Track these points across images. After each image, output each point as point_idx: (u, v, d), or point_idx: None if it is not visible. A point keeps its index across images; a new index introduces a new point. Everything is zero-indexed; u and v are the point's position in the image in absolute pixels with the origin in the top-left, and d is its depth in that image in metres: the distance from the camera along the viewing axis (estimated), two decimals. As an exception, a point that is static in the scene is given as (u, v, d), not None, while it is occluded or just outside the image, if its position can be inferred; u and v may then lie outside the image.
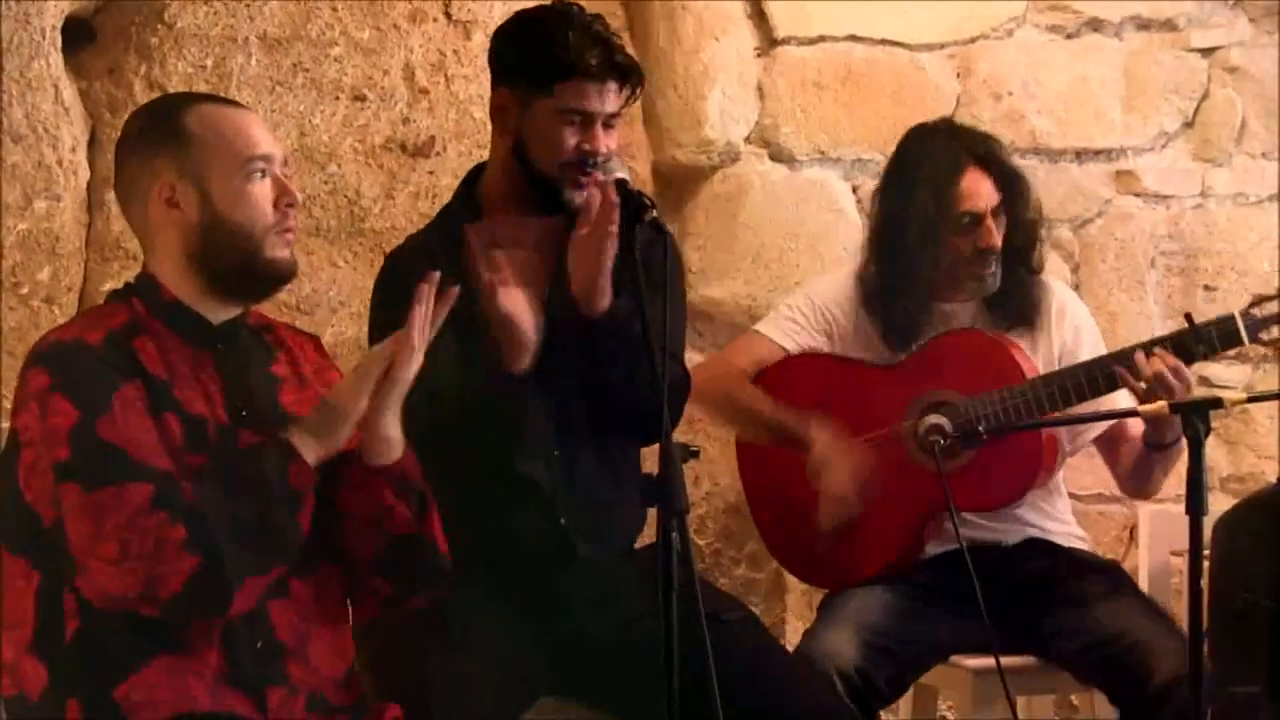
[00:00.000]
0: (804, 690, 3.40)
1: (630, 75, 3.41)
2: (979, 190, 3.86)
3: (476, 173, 3.56)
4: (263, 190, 2.88)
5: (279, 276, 2.92)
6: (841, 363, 3.95)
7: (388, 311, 3.32)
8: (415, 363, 2.87)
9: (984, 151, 3.90)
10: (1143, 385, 3.63)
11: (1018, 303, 3.90)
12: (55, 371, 2.76)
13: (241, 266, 2.87)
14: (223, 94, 4.00)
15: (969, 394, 3.76)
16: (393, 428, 2.90)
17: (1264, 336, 3.67)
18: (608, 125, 3.40)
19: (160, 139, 2.88)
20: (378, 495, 2.92)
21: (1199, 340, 3.66)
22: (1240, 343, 3.67)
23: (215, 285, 2.89)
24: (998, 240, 3.84)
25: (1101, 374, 3.71)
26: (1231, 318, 3.66)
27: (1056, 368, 3.84)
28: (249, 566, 2.75)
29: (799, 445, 3.86)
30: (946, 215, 3.84)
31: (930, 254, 3.86)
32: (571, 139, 3.38)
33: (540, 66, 3.39)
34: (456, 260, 3.27)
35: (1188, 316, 3.70)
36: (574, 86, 3.37)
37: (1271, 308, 3.66)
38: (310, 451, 2.82)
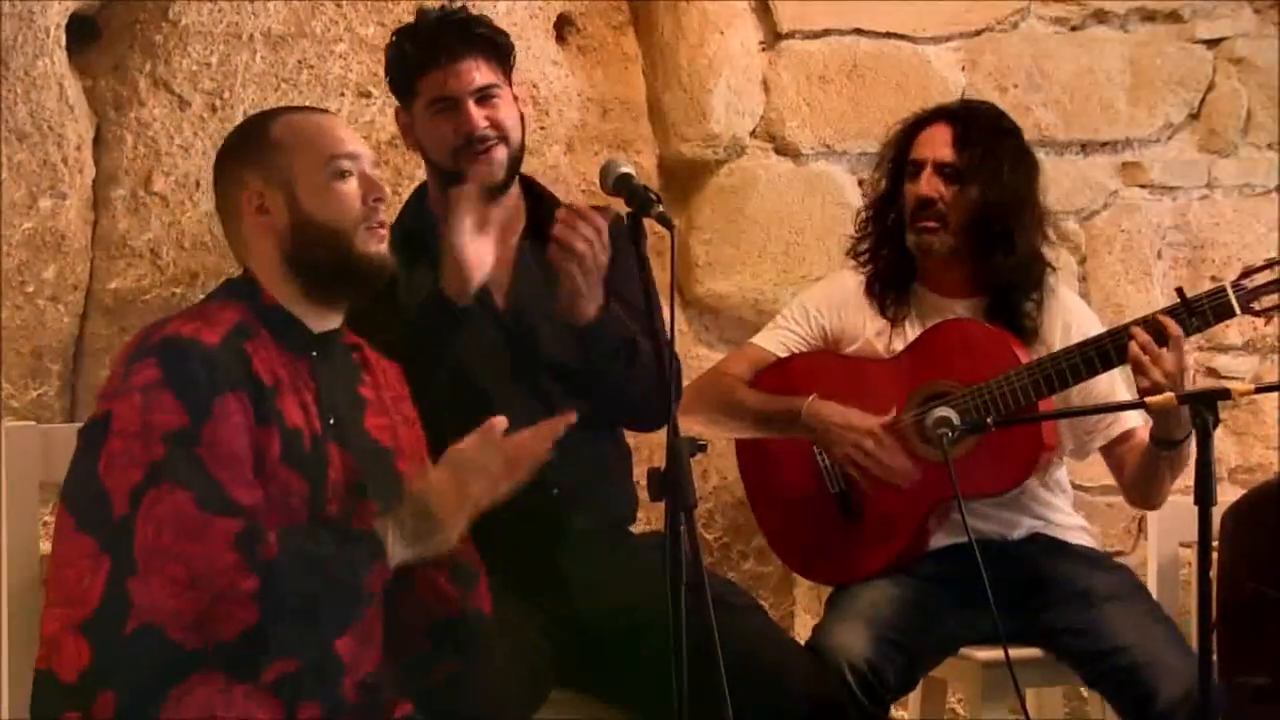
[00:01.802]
0: (805, 674, 3.43)
1: (491, 46, 3.50)
2: (933, 139, 3.87)
3: (421, 191, 3.69)
4: (349, 187, 2.90)
5: (374, 271, 2.93)
6: (838, 359, 3.95)
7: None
8: (518, 480, 2.86)
9: (962, 113, 3.91)
10: (1138, 354, 3.61)
11: (1017, 308, 3.87)
12: (167, 366, 2.75)
13: (335, 263, 2.89)
14: (227, 92, 4.02)
15: (967, 383, 3.76)
16: (464, 524, 2.88)
17: (1255, 306, 3.66)
18: (483, 100, 3.48)
19: (247, 151, 2.94)
20: (434, 581, 2.94)
21: (1192, 313, 3.65)
22: (1233, 313, 3.65)
23: (312, 287, 2.91)
24: (929, 191, 3.83)
25: (1098, 352, 3.70)
26: (1223, 289, 3.65)
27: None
28: (294, 644, 2.74)
29: (794, 425, 3.87)
30: (902, 159, 3.89)
31: (890, 203, 3.90)
32: (446, 126, 3.48)
33: (401, 75, 3.55)
34: (424, 271, 3.38)
35: (1179, 290, 3.68)
36: (430, 79, 3.49)
37: (1261, 278, 3.65)
38: (397, 557, 2.79)
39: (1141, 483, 3.85)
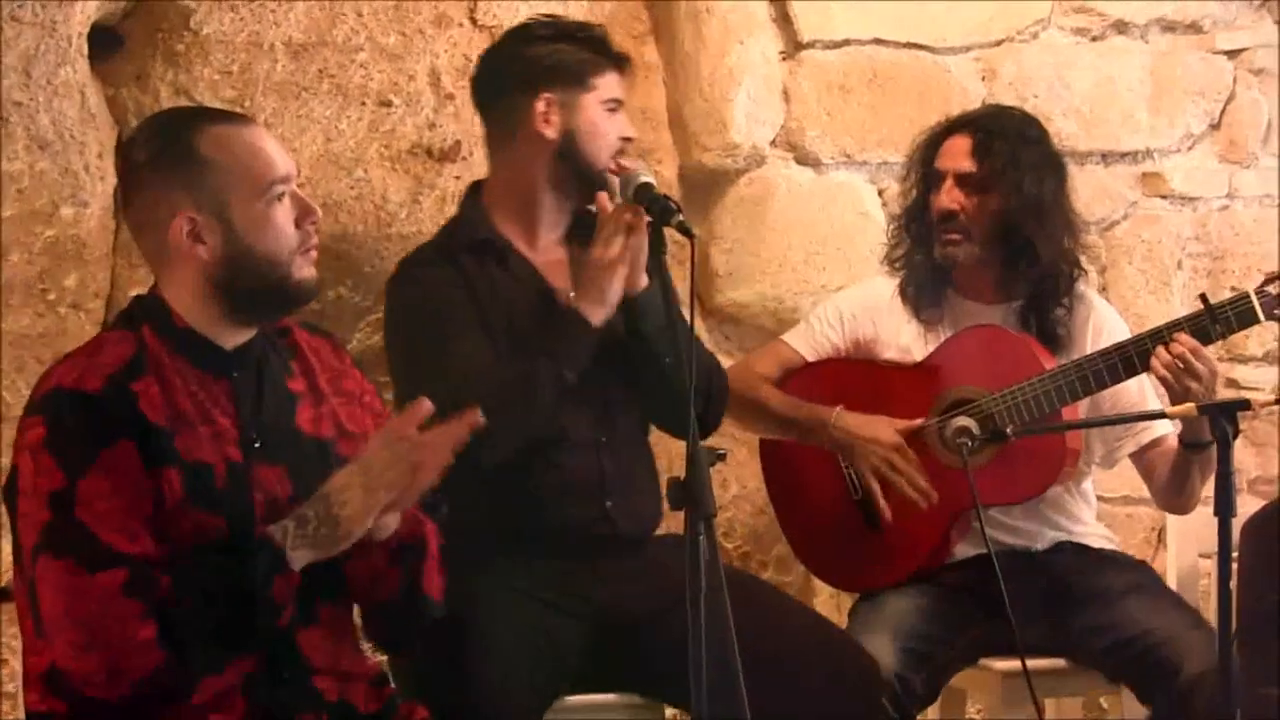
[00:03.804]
0: (825, 642, 3.50)
1: (626, 64, 3.66)
2: (953, 150, 3.88)
3: (477, 186, 3.70)
4: (285, 212, 2.81)
5: (303, 297, 2.85)
6: (863, 365, 3.96)
7: (407, 317, 3.51)
8: (425, 485, 2.79)
9: (984, 122, 3.91)
10: (1167, 367, 3.60)
11: (1048, 313, 3.87)
12: (50, 425, 2.70)
13: (267, 292, 2.81)
14: (249, 100, 4.03)
15: (992, 389, 3.76)
16: (394, 520, 2.82)
17: (1279, 313, 3.66)
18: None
19: (174, 168, 2.78)
20: (371, 564, 2.86)
21: (1215, 320, 3.64)
22: (1257, 319, 3.65)
23: (235, 311, 2.82)
24: (949, 204, 3.84)
25: (1121, 359, 3.70)
26: (1246, 296, 3.65)
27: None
28: (213, 665, 2.71)
29: (818, 434, 3.88)
30: (927, 169, 3.90)
31: (919, 211, 3.91)
32: (613, 129, 3.58)
33: (579, 62, 3.58)
34: (466, 269, 3.50)
35: (1202, 297, 3.68)
36: (608, 79, 3.59)
37: None
38: (301, 559, 2.72)
39: (1173, 486, 3.85)
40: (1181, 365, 3.59)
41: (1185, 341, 3.61)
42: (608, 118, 3.57)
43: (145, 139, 2.87)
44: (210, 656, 2.70)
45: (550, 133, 3.56)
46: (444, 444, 2.76)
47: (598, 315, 3.45)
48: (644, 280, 3.47)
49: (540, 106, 3.56)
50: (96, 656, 2.63)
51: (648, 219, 3.39)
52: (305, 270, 2.83)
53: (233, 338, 2.85)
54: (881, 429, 3.83)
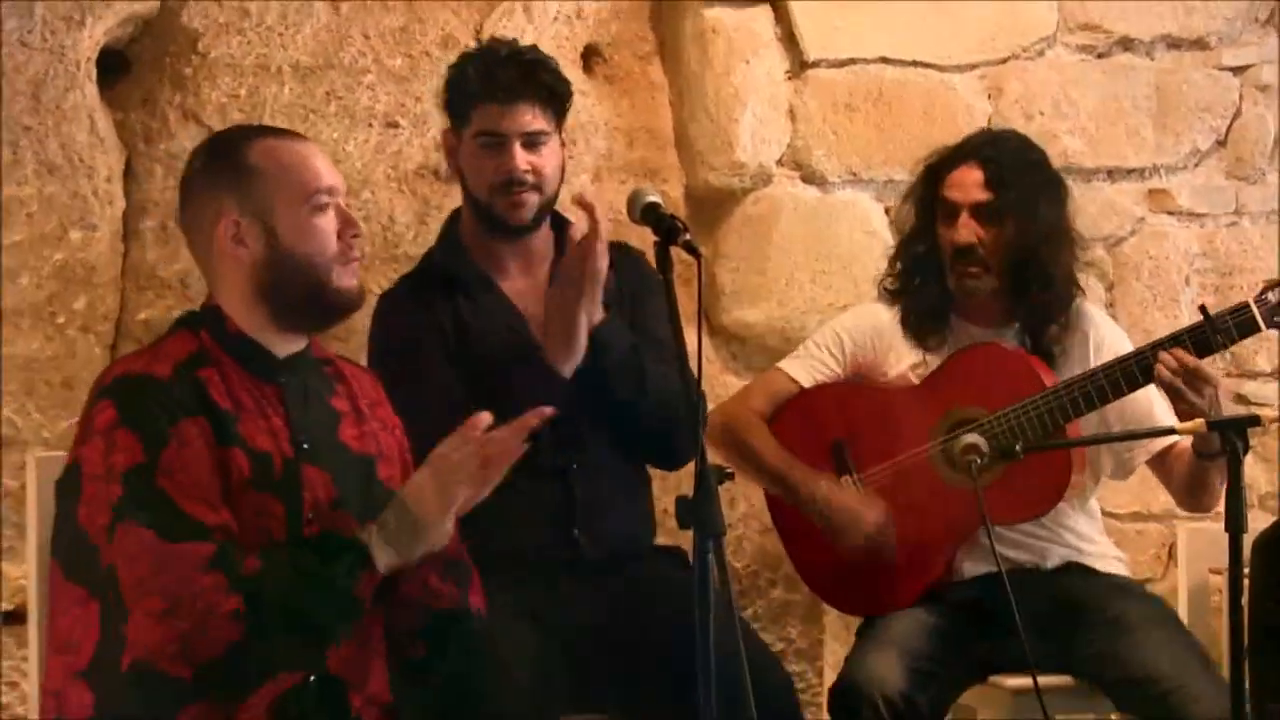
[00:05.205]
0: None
1: (549, 94, 3.57)
2: (964, 181, 3.86)
3: (456, 214, 3.72)
4: (328, 222, 2.89)
5: (346, 306, 2.93)
6: (863, 388, 3.94)
7: (385, 351, 3.56)
8: (495, 479, 2.87)
9: (990, 150, 3.89)
10: (1170, 380, 3.60)
11: (1044, 332, 3.87)
12: (121, 405, 2.76)
13: (309, 298, 2.89)
14: (255, 123, 4.04)
15: (994, 408, 3.75)
16: (451, 523, 2.89)
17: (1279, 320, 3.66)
18: (530, 145, 3.55)
19: (223, 174, 2.89)
20: (425, 579, 2.93)
21: (1216, 330, 3.64)
22: (1258, 328, 3.64)
23: (281, 318, 2.90)
24: (969, 238, 3.82)
25: (1123, 374, 3.69)
26: (1246, 305, 3.65)
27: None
28: (288, 658, 2.75)
29: (805, 504, 3.87)
30: (934, 200, 3.88)
31: (924, 239, 3.89)
32: (489, 162, 3.54)
33: (457, 99, 3.60)
34: (446, 299, 3.54)
35: (1202, 308, 3.68)
36: (483, 111, 3.55)
37: None
38: (384, 561, 2.81)
39: (1192, 490, 3.84)
40: (1183, 377, 3.58)
41: (1181, 358, 3.61)
42: (482, 154, 3.55)
43: (202, 150, 3.00)
44: (288, 648, 2.74)
45: (452, 167, 3.68)
46: (512, 440, 2.85)
47: (568, 366, 3.45)
48: (599, 313, 3.46)
49: (443, 143, 3.68)
50: (175, 624, 2.66)
51: (607, 255, 3.40)
52: (346, 280, 2.91)
53: (283, 346, 2.93)
54: (865, 512, 3.82)
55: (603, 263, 3.41)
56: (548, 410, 2.88)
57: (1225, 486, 3.71)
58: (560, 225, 3.68)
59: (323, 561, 2.77)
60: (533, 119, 3.54)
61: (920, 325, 3.91)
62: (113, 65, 4.07)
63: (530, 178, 3.54)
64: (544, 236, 3.65)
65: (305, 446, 2.88)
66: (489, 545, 3.25)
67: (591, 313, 3.45)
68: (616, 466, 3.62)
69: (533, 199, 3.55)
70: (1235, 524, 3.07)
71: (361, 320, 4.10)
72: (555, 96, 3.58)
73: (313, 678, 2.80)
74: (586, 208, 3.40)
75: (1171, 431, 3.50)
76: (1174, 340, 3.65)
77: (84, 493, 2.75)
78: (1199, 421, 3.35)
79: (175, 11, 4.06)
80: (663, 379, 3.43)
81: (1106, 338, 3.92)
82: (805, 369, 3.99)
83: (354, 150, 4.15)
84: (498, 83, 3.53)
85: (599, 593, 3.50)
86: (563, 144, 3.65)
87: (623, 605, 3.44)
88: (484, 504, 3.26)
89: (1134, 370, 3.67)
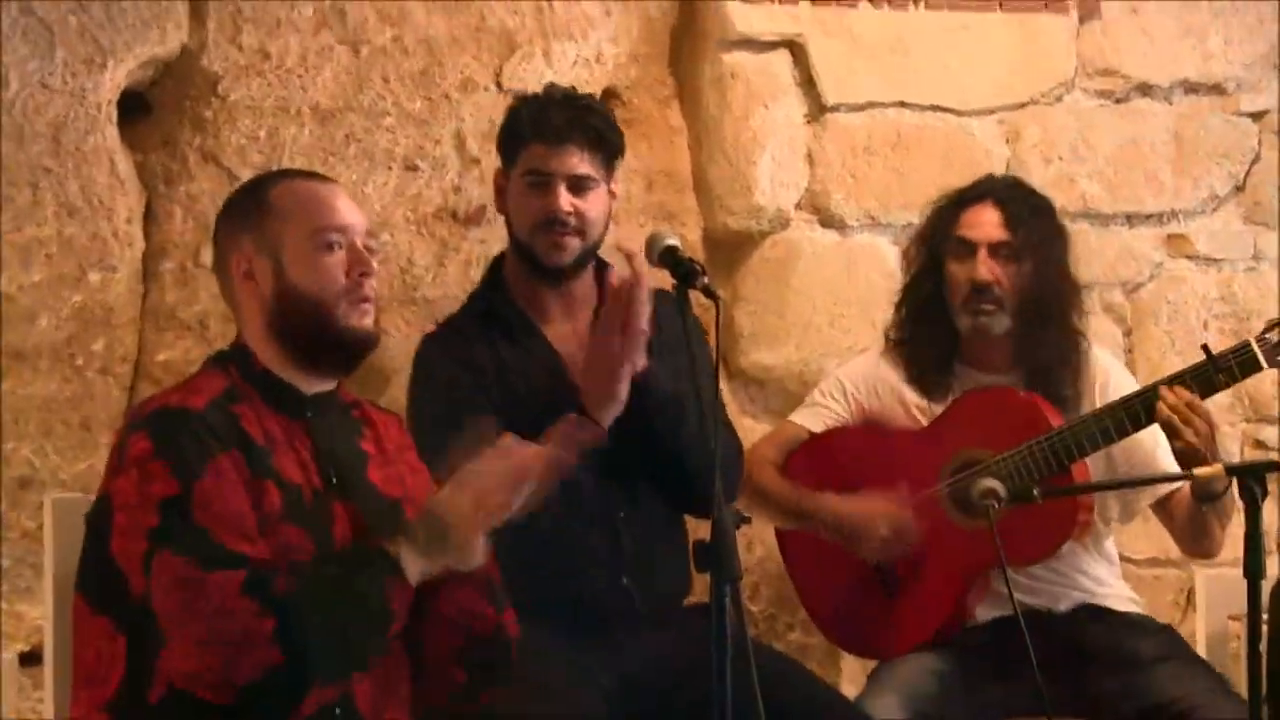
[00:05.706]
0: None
1: (600, 138, 3.57)
2: (980, 220, 3.87)
3: (502, 257, 3.71)
4: (335, 260, 2.90)
5: (356, 344, 2.93)
6: (870, 433, 3.95)
7: (426, 390, 3.54)
8: (527, 491, 2.87)
9: (1004, 192, 3.90)
10: (1167, 416, 3.60)
11: (1052, 377, 3.86)
12: (157, 437, 2.77)
13: (316, 335, 2.90)
14: (275, 165, 4.05)
15: (1000, 451, 3.75)
16: (484, 541, 2.88)
17: None
18: (576, 188, 3.55)
19: (244, 214, 2.94)
20: (464, 600, 2.94)
21: (1219, 369, 3.65)
22: (1259, 367, 3.65)
23: (297, 356, 2.92)
24: (987, 275, 3.83)
25: (1128, 414, 3.69)
26: (1247, 344, 3.65)
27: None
28: (327, 673, 2.75)
29: (815, 523, 3.87)
30: (946, 238, 3.88)
31: (931, 278, 3.89)
32: (534, 201, 3.54)
33: (509, 140, 3.61)
34: (487, 341, 3.54)
35: (1205, 348, 3.68)
36: (531, 150, 3.55)
37: None
38: (415, 570, 2.81)
39: (1192, 535, 3.85)
40: (1181, 414, 3.59)
41: (1180, 394, 3.61)
42: (528, 192, 3.56)
43: (233, 193, 3.06)
44: (325, 664, 2.73)
45: (499, 208, 3.66)
46: (550, 447, 2.91)
47: (607, 417, 3.42)
48: (642, 361, 3.43)
49: (494, 184, 3.67)
50: (216, 651, 2.67)
51: (649, 303, 3.38)
52: (355, 319, 2.91)
53: (309, 385, 2.95)
54: (875, 507, 3.81)
55: (645, 310, 3.39)
56: (573, 415, 2.92)
57: (1226, 529, 3.76)
58: (601, 269, 3.67)
59: (352, 571, 2.78)
60: (579, 162, 3.54)
61: (924, 374, 3.92)
62: (133, 107, 4.08)
63: (573, 220, 3.53)
64: (586, 283, 3.64)
65: (334, 481, 2.90)
66: (542, 592, 3.25)
67: (636, 361, 3.42)
68: (662, 516, 3.60)
69: (574, 242, 3.54)
70: (1254, 570, 3.05)
71: (401, 361, 4.14)
72: (605, 143, 3.58)
73: (338, 710, 2.80)
74: (629, 255, 3.37)
75: (1191, 477, 3.49)
76: (1177, 379, 3.66)
77: (116, 523, 2.76)
78: (1218, 466, 3.34)
79: (196, 54, 4.08)
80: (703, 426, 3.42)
81: (1113, 380, 3.92)
82: (814, 416, 4.01)
83: (373, 192, 4.16)
84: (548, 123, 3.54)
85: (651, 644, 3.47)
86: (612, 195, 3.63)
87: (675, 658, 3.41)
88: (537, 550, 3.28)
89: (1138, 409, 3.68)
